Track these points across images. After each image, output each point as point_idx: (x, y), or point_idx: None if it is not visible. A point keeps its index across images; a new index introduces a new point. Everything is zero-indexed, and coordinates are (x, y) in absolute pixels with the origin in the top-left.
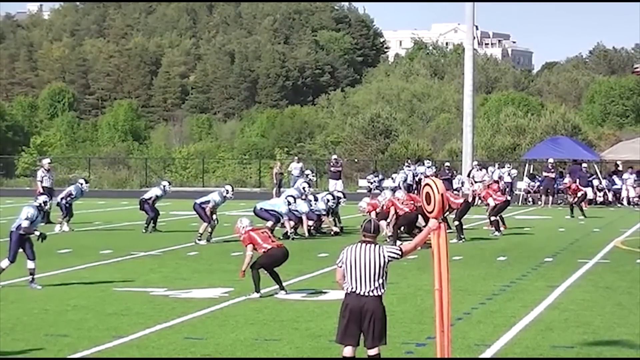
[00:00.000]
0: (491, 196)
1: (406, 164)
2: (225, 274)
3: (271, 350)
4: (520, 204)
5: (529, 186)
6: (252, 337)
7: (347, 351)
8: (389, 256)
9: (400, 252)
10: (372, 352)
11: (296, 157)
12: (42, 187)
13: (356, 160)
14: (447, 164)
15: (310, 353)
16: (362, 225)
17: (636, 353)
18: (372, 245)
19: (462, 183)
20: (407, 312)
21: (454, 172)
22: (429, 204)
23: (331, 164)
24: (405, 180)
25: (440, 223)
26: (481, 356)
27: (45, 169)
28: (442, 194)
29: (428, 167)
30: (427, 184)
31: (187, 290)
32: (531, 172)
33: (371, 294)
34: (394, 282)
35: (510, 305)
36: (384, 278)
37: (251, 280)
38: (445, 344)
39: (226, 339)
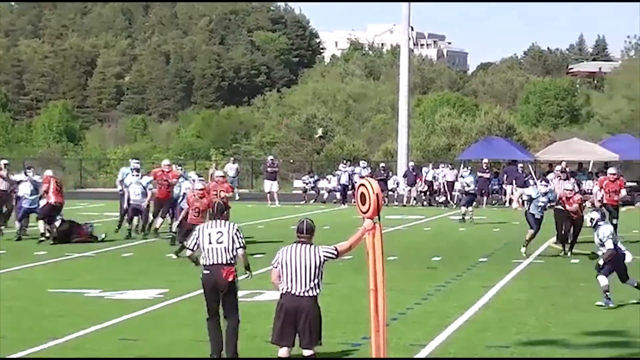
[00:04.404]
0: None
1: (342, 164)
2: (160, 275)
3: (207, 351)
4: (455, 204)
5: (462, 187)
6: (188, 338)
7: (283, 352)
8: (324, 256)
9: (335, 252)
10: (308, 352)
11: (232, 158)
12: None
13: (292, 160)
14: (383, 164)
15: (246, 354)
16: (296, 226)
17: (570, 353)
18: (308, 245)
19: (397, 183)
20: (343, 312)
21: (390, 172)
22: (363, 204)
23: (267, 164)
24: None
25: (375, 223)
26: (416, 356)
27: None
28: (377, 194)
29: (363, 168)
30: (362, 184)
31: (122, 292)
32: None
33: (306, 294)
34: (330, 282)
35: (446, 305)
36: (319, 278)
37: (185, 280)
38: (381, 344)
39: (162, 340)
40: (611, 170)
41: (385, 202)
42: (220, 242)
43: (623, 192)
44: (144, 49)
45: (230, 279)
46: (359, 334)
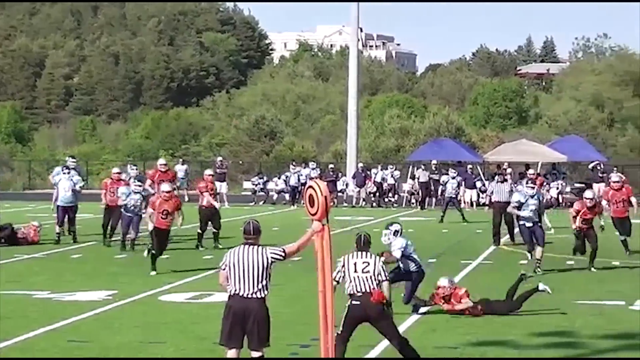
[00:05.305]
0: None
1: (291, 165)
2: (109, 276)
3: (156, 352)
4: (403, 205)
5: (412, 188)
6: (137, 339)
7: (231, 353)
8: (272, 257)
9: (283, 254)
10: (256, 354)
11: (181, 159)
12: None
13: (241, 162)
14: (332, 165)
15: (195, 355)
16: (243, 228)
17: (519, 353)
18: (255, 246)
19: (347, 185)
20: (293, 314)
21: (339, 173)
22: (312, 206)
23: (216, 165)
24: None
25: (323, 225)
26: (366, 356)
27: None
28: (325, 196)
29: (312, 169)
30: (310, 186)
31: (71, 293)
32: (414, 173)
33: (254, 296)
34: (280, 283)
35: (395, 306)
36: (267, 279)
37: (135, 282)
38: (330, 345)
39: (111, 342)
40: (614, 177)
41: (334, 203)
42: (367, 272)
43: (633, 200)
44: (92, 49)
45: (380, 299)
46: (308, 335)
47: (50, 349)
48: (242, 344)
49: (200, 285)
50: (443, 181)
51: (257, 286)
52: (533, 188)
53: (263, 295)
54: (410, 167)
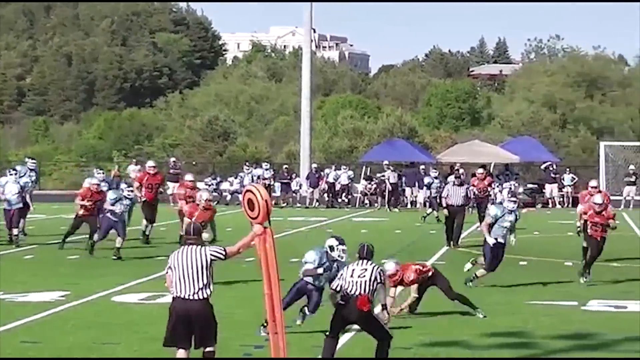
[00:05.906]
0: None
1: (245, 166)
2: (62, 277)
3: (109, 353)
4: (357, 206)
5: (365, 188)
6: (90, 340)
7: (180, 354)
8: (212, 256)
9: (224, 253)
10: (206, 352)
11: (134, 160)
12: None
13: (194, 162)
14: (286, 166)
15: (148, 356)
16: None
17: (472, 353)
18: (195, 246)
19: (300, 185)
20: (247, 314)
21: (292, 174)
22: (252, 210)
23: (170, 166)
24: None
25: (265, 228)
26: (319, 356)
27: None
28: (265, 200)
29: (266, 170)
30: (249, 191)
31: (23, 294)
32: (368, 174)
33: (196, 296)
34: (234, 284)
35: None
36: (209, 279)
37: (88, 282)
38: (280, 346)
39: (64, 343)
40: (592, 183)
41: (289, 203)
42: (362, 277)
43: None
44: (45, 50)
45: (362, 305)
46: (262, 337)
47: (3, 350)
48: (189, 344)
49: (154, 286)
50: (427, 182)
51: (198, 286)
52: (515, 202)
53: (205, 296)
54: (364, 167)
